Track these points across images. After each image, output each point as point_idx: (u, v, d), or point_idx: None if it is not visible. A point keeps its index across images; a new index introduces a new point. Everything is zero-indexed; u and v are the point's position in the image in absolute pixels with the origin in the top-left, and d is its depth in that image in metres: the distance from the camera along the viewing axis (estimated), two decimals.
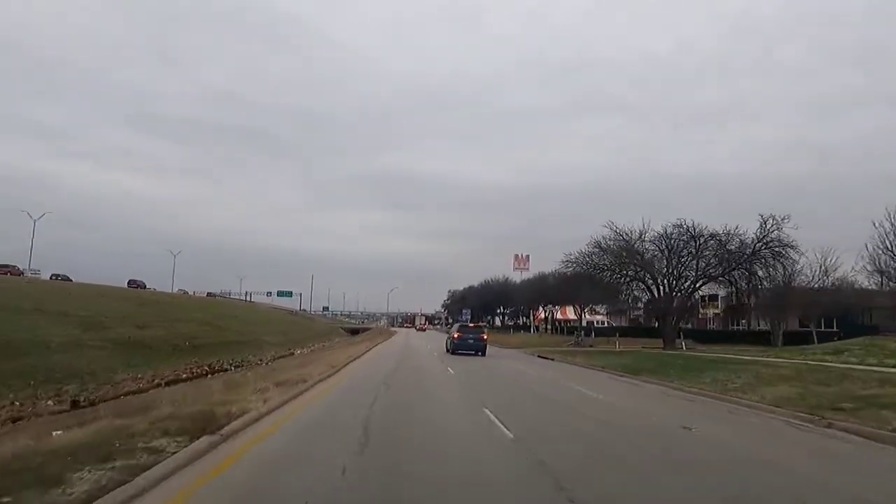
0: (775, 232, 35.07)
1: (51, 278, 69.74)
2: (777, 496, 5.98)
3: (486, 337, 35.39)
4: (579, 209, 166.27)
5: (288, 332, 75.29)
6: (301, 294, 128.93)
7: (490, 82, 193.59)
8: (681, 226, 38.02)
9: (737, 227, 37.06)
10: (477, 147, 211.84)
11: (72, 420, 11.85)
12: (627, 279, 39.79)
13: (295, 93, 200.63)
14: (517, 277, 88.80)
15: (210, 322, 58.63)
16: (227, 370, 37.29)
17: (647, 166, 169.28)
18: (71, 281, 68.23)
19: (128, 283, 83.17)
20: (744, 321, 65.88)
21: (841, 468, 7.67)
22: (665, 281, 38.85)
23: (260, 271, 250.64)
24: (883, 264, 34.04)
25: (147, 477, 5.46)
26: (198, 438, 7.42)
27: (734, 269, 37.46)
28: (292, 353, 52.50)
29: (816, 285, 38.35)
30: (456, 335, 35.68)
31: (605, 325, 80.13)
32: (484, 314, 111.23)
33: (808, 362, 21.06)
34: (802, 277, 37.99)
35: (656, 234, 39.12)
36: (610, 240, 39.45)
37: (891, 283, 35.33)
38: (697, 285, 38.50)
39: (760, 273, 36.49)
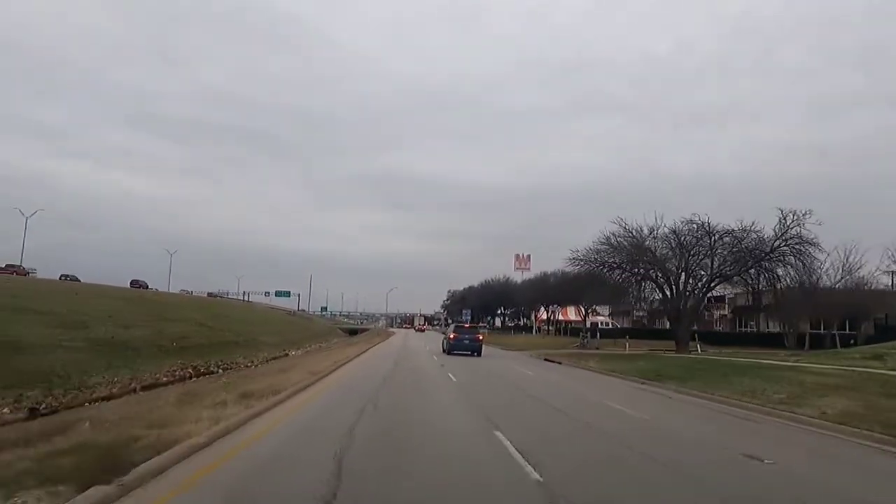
0: (796, 228, 32.71)
1: (60, 279, 69.08)
2: None
3: (481, 337, 35.45)
4: (579, 209, 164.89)
5: (284, 332, 72.86)
6: (299, 294, 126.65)
7: (490, 82, 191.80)
8: (693, 222, 35.64)
9: (753, 224, 34.70)
10: (477, 147, 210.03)
11: None
12: (638, 278, 37.23)
13: (295, 93, 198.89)
14: (518, 277, 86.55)
15: (203, 322, 56.09)
16: (213, 373, 34.87)
17: (647, 166, 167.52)
18: (79, 281, 67.52)
19: (130, 283, 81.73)
20: (752, 323, 63.51)
21: None
22: (678, 280, 36.40)
23: (259, 271, 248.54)
24: None
25: None
26: (86, 489, 5.03)
27: (751, 268, 34.99)
28: (286, 355, 50.14)
29: (839, 285, 35.97)
30: (452, 335, 35.68)
31: (610, 326, 77.56)
32: (484, 315, 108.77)
33: (856, 368, 18.64)
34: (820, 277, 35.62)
35: (667, 230, 36.73)
36: (619, 236, 37.10)
37: None
38: (712, 285, 36.03)
39: (780, 272, 34.06)
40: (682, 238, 36.66)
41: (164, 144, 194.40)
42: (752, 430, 11.01)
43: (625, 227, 37.22)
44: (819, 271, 34.57)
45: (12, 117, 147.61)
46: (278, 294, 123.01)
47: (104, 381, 28.16)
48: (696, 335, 37.71)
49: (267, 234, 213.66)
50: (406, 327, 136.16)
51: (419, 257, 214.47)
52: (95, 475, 5.40)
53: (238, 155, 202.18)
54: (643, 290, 38.53)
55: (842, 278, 35.96)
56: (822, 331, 53.32)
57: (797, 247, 33.36)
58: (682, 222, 36.05)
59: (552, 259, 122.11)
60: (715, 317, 62.32)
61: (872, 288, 40.69)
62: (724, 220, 38.02)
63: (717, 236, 35.09)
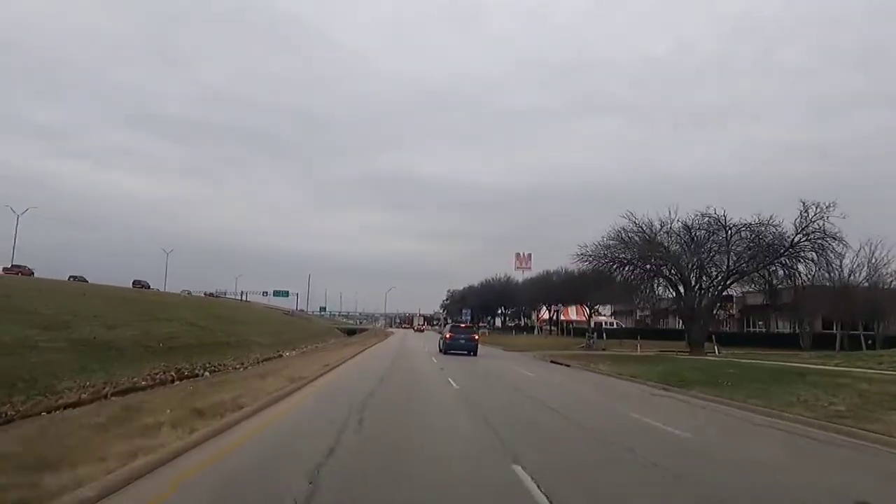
0: (818, 221, 30.33)
1: (69, 279, 68.16)
2: None
3: (477, 337, 35.69)
4: (579, 209, 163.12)
5: (280, 332, 70.51)
6: (297, 294, 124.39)
7: (490, 82, 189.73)
8: (707, 215, 33.24)
9: (770, 217, 32.33)
10: (477, 147, 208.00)
11: None
12: (651, 274, 34.79)
13: (295, 93, 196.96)
14: (519, 277, 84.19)
15: (194, 322, 53.67)
16: (197, 375, 32.58)
17: (647, 166, 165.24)
18: (87, 282, 66.65)
19: (133, 283, 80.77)
20: (761, 323, 61.17)
21: None
22: (693, 277, 34.04)
23: (258, 271, 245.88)
24: None
25: None
26: None
27: (770, 264, 32.60)
28: (280, 356, 47.91)
29: (866, 283, 33.60)
30: (448, 335, 35.81)
31: (614, 325, 75.22)
32: (484, 314, 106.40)
33: None
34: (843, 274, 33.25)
35: (680, 224, 34.30)
36: (629, 231, 34.72)
37: None
38: (728, 282, 33.66)
39: (802, 268, 31.67)
40: (695, 233, 34.31)
41: (164, 144, 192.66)
42: (839, 459, 8.66)
43: (635, 222, 34.92)
44: (842, 268, 32.12)
45: (12, 117, 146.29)
46: (276, 294, 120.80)
47: (76, 385, 25.86)
48: (712, 336, 35.37)
49: (267, 234, 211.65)
50: (405, 327, 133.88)
51: (419, 257, 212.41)
52: None
53: (238, 155, 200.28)
54: (655, 288, 36.07)
55: (868, 275, 33.54)
56: (833, 331, 51.19)
57: (819, 241, 31.00)
58: (696, 215, 33.73)
59: (553, 259, 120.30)
60: (721, 317, 59.83)
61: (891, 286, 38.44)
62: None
63: (733, 230, 32.72)
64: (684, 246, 34.17)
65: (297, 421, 9.28)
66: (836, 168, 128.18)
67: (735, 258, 33.22)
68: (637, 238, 34.43)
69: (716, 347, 33.52)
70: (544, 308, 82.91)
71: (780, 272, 32.92)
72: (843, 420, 11.44)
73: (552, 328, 78.24)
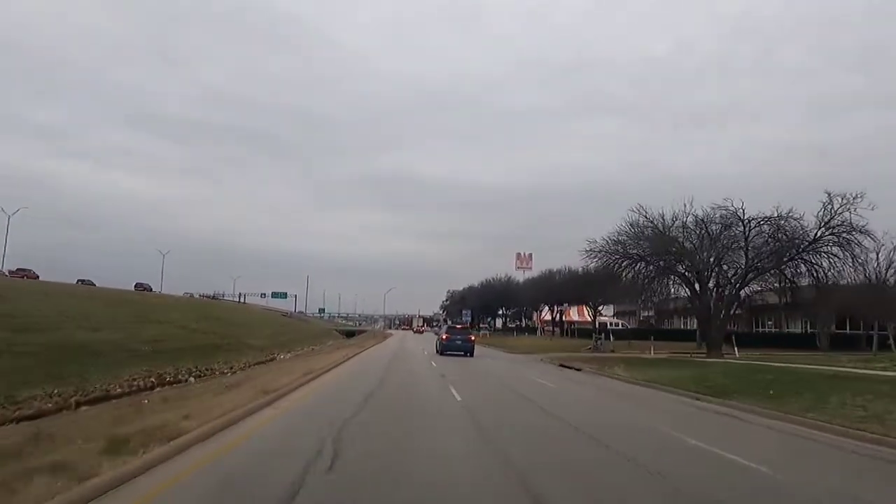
0: (844, 213, 27.93)
1: (77, 283, 66.91)
2: None
3: (473, 339, 35.93)
4: (579, 209, 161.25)
5: (276, 334, 68.11)
6: (296, 296, 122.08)
7: (490, 82, 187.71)
8: (723, 207, 30.77)
9: (790, 210, 29.91)
10: (477, 147, 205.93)
11: None
12: (664, 271, 32.23)
13: (295, 93, 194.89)
14: (520, 277, 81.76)
15: (185, 324, 51.23)
16: (182, 381, 30.17)
17: (647, 166, 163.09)
18: (94, 285, 65.99)
19: (135, 286, 79.61)
20: (770, 322, 58.80)
21: None
22: (711, 274, 31.60)
23: (258, 273, 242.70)
24: None
25: None
26: None
27: (792, 259, 30.15)
28: (273, 359, 45.59)
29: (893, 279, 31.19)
30: (444, 336, 35.84)
31: (619, 326, 72.80)
32: (484, 315, 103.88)
33: None
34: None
35: (695, 217, 31.82)
36: (640, 225, 32.21)
37: None
38: (747, 279, 31.22)
39: (826, 264, 29.19)
40: (709, 227, 31.86)
41: (164, 144, 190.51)
42: None
43: (645, 216, 32.45)
44: (867, 264, 29.62)
45: (12, 117, 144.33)
46: (275, 295, 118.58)
47: (42, 393, 23.45)
48: (732, 337, 32.97)
49: (266, 234, 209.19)
50: (404, 328, 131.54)
51: (419, 257, 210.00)
52: None
53: (238, 155, 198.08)
54: (670, 286, 33.49)
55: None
56: (847, 330, 48.78)
57: (845, 235, 28.57)
58: (713, 208, 31.23)
59: (553, 259, 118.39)
60: (741, 314, 57.17)
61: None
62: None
63: (753, 223, 30.24)
64: (700, 241, 31.70)
65: (244, 457, 6.82)
66: (836, 168, 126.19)
67: (753, 254, 30.79)
68: (650, 232, 31.96)
69: (735, 349, 31.13)
70: (546, 308, 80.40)
71: (802, 268, 30.44)
72: None
73: (554, 329, 75.71)
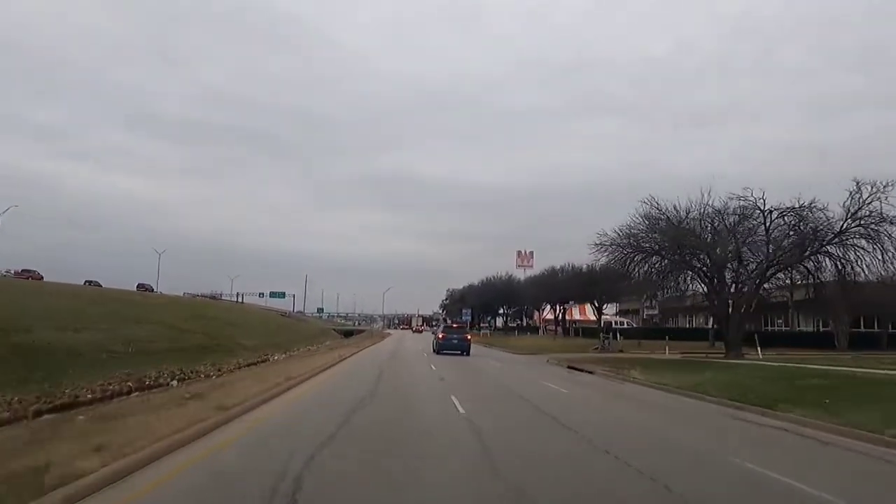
0: (874, 203, 25.61)
1: (84, 284, 66.04)
2: None
3: (469, 337, 36.00)
4: (579, 209, 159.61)
5: (272, 334, 65.73)
6: (294, 295, 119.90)
7: (490, 82, 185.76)
8: (743, 198, 28.42)
9: (813, 200, 27.61)
10: (477, 147, 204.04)
11: None
12: (679, 265, 29.78)
13: (295, 93, 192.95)
14: (521, 275, 79.32)
15: (175, 324, 48.78)
16: (161, 385, 27.90)
17: (647, 166, 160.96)
18: (101, 286, 65.25)
19: (137, 286, 79.33)
20: (780, 321, 56.49)
21: None
22: (730, 269, 29.28)
23: (257, 273, 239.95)
24: None
25: None
26: None
27: (816, 253, 27.83)
28: (266, 360, 43.35)
29: None
30: (441, 335, 35.83)
31: (625, 325, 70.51)
32: (485, 315, 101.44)
33: None
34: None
35: (711, 209, 29.44)
36: (653, 218, 29.83)
37: None
38: (768, 274, 28.87)
39: (852, 257, 26.86)
40: (727, 219, 29.55)
41: (164, 145, 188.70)
42: None
43: (658, 208, 30.10)
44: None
45: (12, 117, 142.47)
46: (273, 295, 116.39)
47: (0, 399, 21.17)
48: (755, 337, 30.64)
49: (266, 234, 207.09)
50: (403, 328, 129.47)
51: (419, 257, 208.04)
52: None
53: (238, 155, 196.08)
54: (688, 282, 31.05)
55: None
56: (862, 328, 46.52)
57: (874, 227, 26.26)
58: (730, 198, 28.85)
59: (553, 259, 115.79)
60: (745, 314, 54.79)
61: None
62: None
63: (775, 215, 27.91)
64: (717, 233, 29.33)
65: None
66: (836, 168, 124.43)
67: (774, 247, 28.47)
68: (664, 224, 29.59)
69: (758, 349, 28.84)
70: (548, 307, 78.01)
71: (826, 263, 28.13)
72: None
73: (557, 329, 73.35)
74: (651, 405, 14.20)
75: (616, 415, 12.48)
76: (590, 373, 23.31)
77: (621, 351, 36.26)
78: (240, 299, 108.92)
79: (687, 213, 30.05)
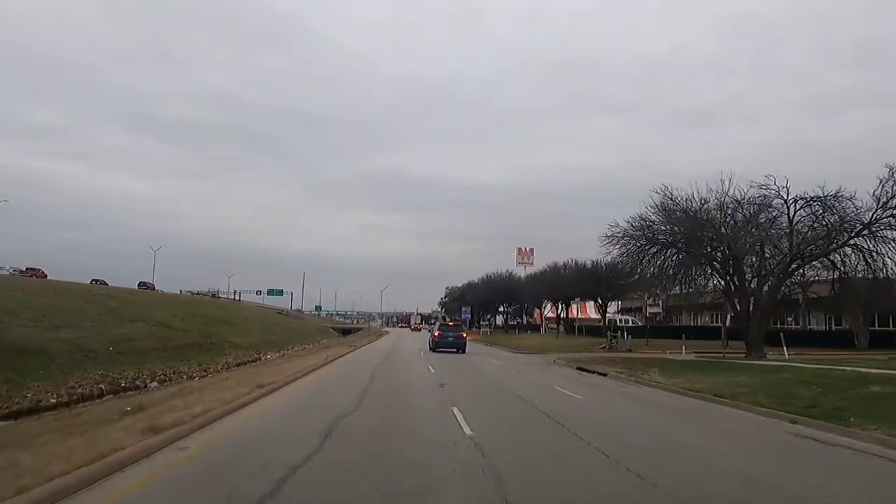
0: None
1: (91, 283, 66.14)
2: None
3: (465, 335, 35.98)
4: (579, 209, 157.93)
5: (268, 332, 63.58)
6: (292, 293, 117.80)
7: (489, 82, 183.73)
8: (764, 186, 26.14)
9: (840, 189, 25.37)
10: (476, 147, 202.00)
11: None
12: (697, 258, 27.41)
13: (294, 93, 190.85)
14: (521, 272, 77.11)
15: (164, 322, 46.45)
16: (138, 387, 25.65)
17: (647, 166, 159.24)
18: (107, 285, 65.41)
19: (138, 284, 79.83)
20: (790, 319, 54.27)
21: None
22: (751, 263, 27.01)
23: (256, 272, 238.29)
24: None
25: None
26: None
27: (843, 246, 25.60)
28: (259, 359, 41.19)
29: None
30: (437, 333, 35.59)
31: (630, 323, 68.28)
32: (485, 313, 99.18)
33: None
34: None
35: (730, 198, 27.16)
36: (670, 209, 27.45)
37: None
38: (792, 268, 26.59)
39: (884, 250, 24.60)
40: (745, 209, 27.28)
41: (164, 145, 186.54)
42: None
43: (671, 198, 27.81)
44: None
45: (11, 117, 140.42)
46: (270, 293, 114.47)
47: None
48: (781, 336, 28.36)
49: (265, 234, 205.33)
50: (402, 326, 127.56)
51: (418, 257, 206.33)
52: None
53: (238, 155, 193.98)
54: (709, 276, 28.67)
55: None
56: (876, 326, 44.33)
57: None
58: (750, 186, 26.55)
59: (553, 259, 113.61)
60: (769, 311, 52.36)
61: None
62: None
63: (800, 204, 25.65)
64: (736, 224, 27.04)
65: None
66: (835, 167, 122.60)
67: (798, 239, 26.24)
68: (680, 214, 27.28)
69: (784, 349, 26.58)
70: (549, 305, 75.77)
71: (852, 256, 25.88)
72: None
73: (560, 327, 71.12)
74: (681, 414, 11.94)
75: (642, 426, 10.19)
76: (602, 375, 21.06)
77: (630, 350, 34.02)
78: (237, 297, 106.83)
79: (703, 204, 27.78)
